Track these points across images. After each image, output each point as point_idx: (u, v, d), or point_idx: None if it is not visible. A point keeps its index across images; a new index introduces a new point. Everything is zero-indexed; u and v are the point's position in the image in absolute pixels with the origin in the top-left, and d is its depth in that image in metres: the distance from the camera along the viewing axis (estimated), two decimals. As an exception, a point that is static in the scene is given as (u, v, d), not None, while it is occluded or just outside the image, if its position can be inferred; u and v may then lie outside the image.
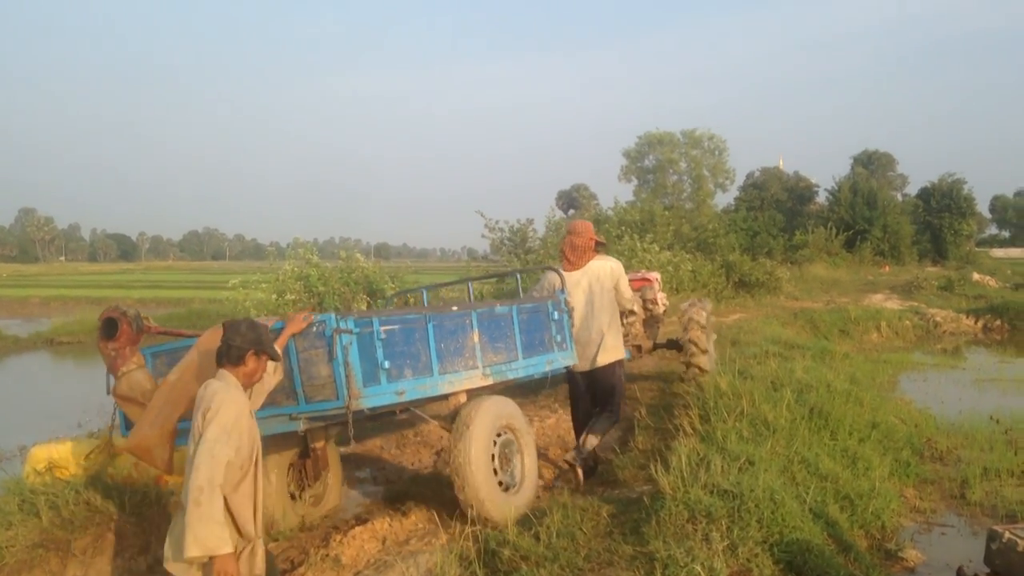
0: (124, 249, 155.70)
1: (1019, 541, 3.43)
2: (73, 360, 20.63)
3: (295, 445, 5.87)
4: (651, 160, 62.30)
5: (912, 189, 65.20)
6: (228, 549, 3.57)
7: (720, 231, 29.16)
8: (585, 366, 6.80)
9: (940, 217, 51.82)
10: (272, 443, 5.35)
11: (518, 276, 8.26)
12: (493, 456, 5.45)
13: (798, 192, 57.96)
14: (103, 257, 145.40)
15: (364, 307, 11.35)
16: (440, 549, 5.02)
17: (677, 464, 5.29)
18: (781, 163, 64.13)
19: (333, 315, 4.63)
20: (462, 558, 4.80)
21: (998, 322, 20.69)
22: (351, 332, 4.59)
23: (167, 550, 3.74)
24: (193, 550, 3.51)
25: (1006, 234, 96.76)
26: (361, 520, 5.71)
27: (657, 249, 21.72)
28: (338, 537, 5.23)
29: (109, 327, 4.84)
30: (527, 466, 5.82)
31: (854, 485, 5.96)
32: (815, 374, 8.88)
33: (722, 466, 5.22)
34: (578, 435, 7.00)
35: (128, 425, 5.22)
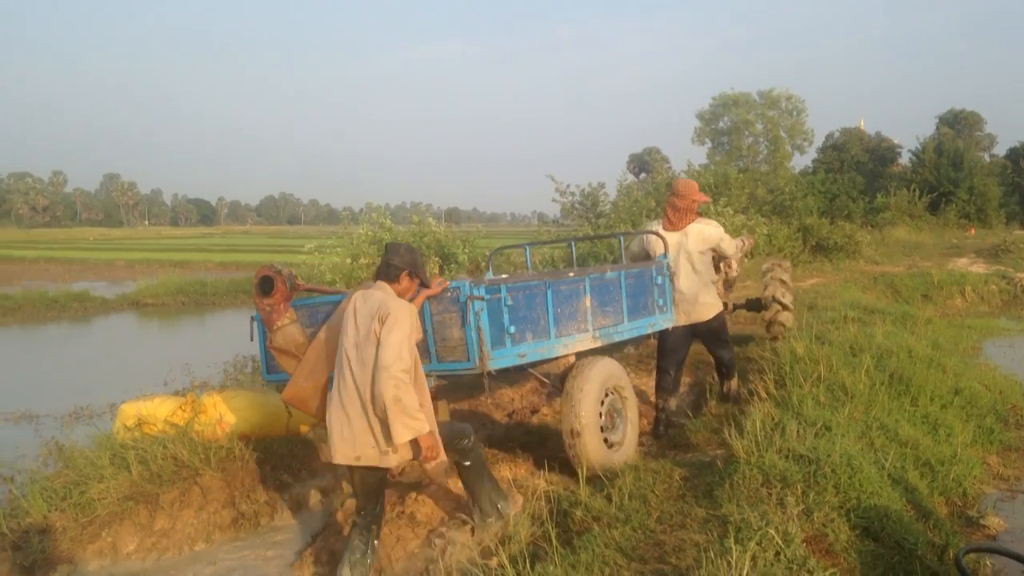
0: (204, 214, 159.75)
1: (1110, 511, 3.32)
2: (158, 321, 21.33)
3: None
4: (726, 122, 61.00)
5: (1000, 149, 62.60)
6: (429, 428, 4.25)
7: (797, 194, 28.38)
8: (688, 320, 7.05)
9: (1030, 178, 49.73)
10: None
11: (621, 239, 8.32)
12: (601, 415, 5.69)
13: (880, 153, 56.20)
14: (184, 221, 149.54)
15: (436, 271, 11.45)
16: (514, 508, 5.10)
17: (751, 428, 5.24)
18: (862, 124, 62.18)
19: (467, 282, 4.89)
20: (535, 517, 4.87)
21: (1090, 286, 19.82)
22: (483, 299, 4.84)
23: (347, 449, 4.32)
24: (404, 435, 4.14)
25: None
26: (436, 479, 5.80)
27: (732, 213, 21.30)
28: (414, 495, 5.34)
29: (265, 284, 5.13)
30: (629, 424, 6.05)
31: (935, 451, 5.83)
32: (895, 339, 8.67)
33: (798, 431, 5.15)
34: (659, 387, 7.22)
35: (269, 368, 5.79)
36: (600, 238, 14.42)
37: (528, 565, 3.72)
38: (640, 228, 8.91)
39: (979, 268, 22.69)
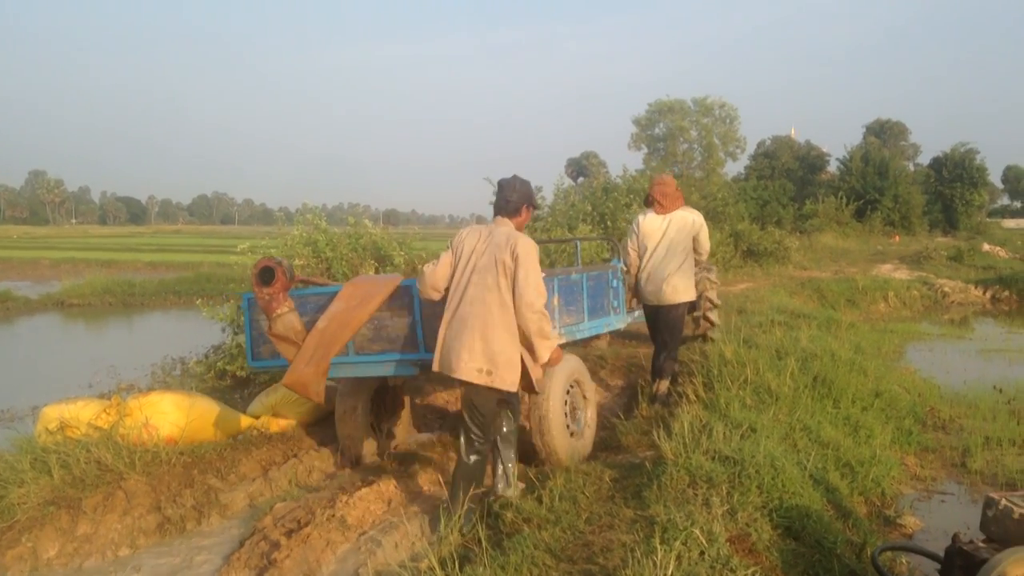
0: (134, 212, 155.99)
1: (1015, 508, 3.46)
2: (84, 322, 20.79)
3: (376, 384, 6.47)
4: (661, 128, 61.74)
5: (924, 159, 64.67)
6: (558, 342, 5.06)
7: (730, 200, 28.96)
8: (654, 301, 7.43)
9: (952, 187, 51.44)
10: (360, 380, 6.20)
11: (578, 244, 9.29)
12: (565, 406, 5.99)
13: (809, 161, 57.54)
14: (112, 220, 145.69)
15: (372, 273, 11.37)
16: (444, 511, 5.11)
17: (679, 430, 5.35)
18: (793, 132, 63.66)
19: None
20: (466, 519, 4.88)
21: (1007, 293, 20.65)
22: None
23: (456, 367, 4.71)
24: (546, 353, 4.82)
25: (1018, 204, 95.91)
26: (367, 482, 5.78)
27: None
28: (344, 498, 5.30)
29: (266, 274, 5.31)
30: (589, 415, 6.37)
31: (855, 452, 6.02)
32: (820, 343, 8.91)
33: (724, 433, 5.27)
34: (656, 356, 7.68)
35: (255, 355, 6.08)
36: (562, 242, 14.47)
37: (457, 567, 3.74)
38: (578, 232, 9.35)
39: (902, 274, 23.44)
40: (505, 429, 5.31)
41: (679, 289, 7.33)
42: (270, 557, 4.77)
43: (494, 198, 5.24)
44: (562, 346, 6.15)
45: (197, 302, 10.84)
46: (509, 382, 4.74)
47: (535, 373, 4.93)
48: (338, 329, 5.39)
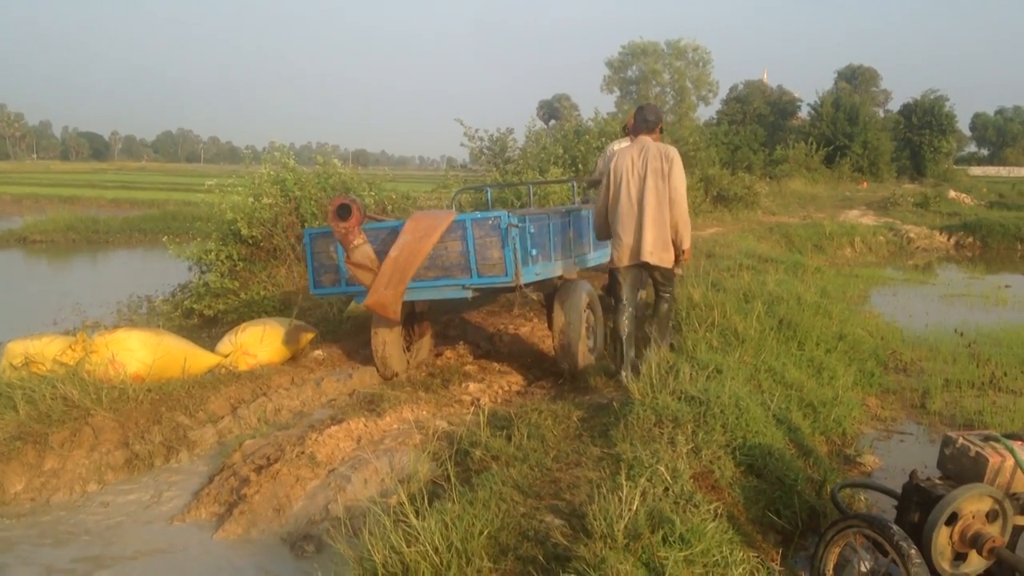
0: (96, 148, 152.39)
1: (971, 447, 3.55)
2: (47, 259, 20.47)
3: (407, 311, 7.13)
4: (634, 71, 61.43)
5: (895, 105, 64.89)
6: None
7: (701, 144, 28.77)
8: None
9: (920, 134, 51.68)
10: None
11: (530, 188, 10.09)
12: (585, 322, 6.73)
13: (781, 107, 57.54)
14: (75, 156, 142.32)
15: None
16: (414, 448, 5.16)
17: (647, 371, 5.42)
18: (765, 76, 63.51)
19: (506, 213, 5.98)
20: (435, 457, 4.94)
21: (970, 239, 20.97)
22: (518, 227, 5.96)
23: (636, 254, 6.12)
24: (689, 240, 6.17)
25: (985, 152, 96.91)
26: (336, 420, 5.81)
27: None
28: (313, 435, 5.32)
29: (343, 210, 5.81)
30: (598, 333, 7.17)
31: (818, 393, 6.13)
32: (786, 287, 9.02)
33: (691, 374, 5.34)
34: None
35: (316, 283, 6.86)
36: (558, 182, 14.58)
37: (426, 503, 3.78)
38: (549, 174, 9.53)
39: (869, 220, 23.66)
40: (665, 307, 6.51)
41: None
42: (239, 492, 4.81)
43: (632, 121, 6.69)
44: (573, 275, 7.27)
45: (163, 240, 10.71)
46: (668, 261, 6.14)
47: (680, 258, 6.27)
48: (410, 257, 6.03)
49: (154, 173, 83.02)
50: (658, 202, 6.02)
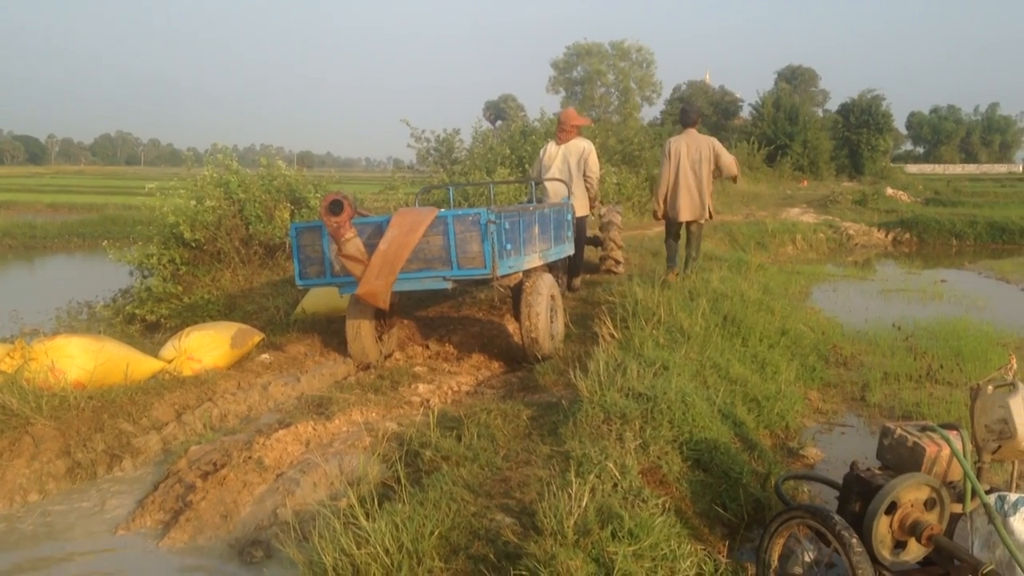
0: (32, 152, 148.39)
1: (909, 437, 3.65)
2: (-18, 266, 19.92)
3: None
4: (579, 71, 61.72)
5: (833, 105, 66.32)
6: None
7: (645, 144, 29.11)
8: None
9: (858, 133, 52.90)
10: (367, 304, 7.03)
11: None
12: (549, 311, 7.27)
13: (723, 107, 58.48)
14: (10, 160, 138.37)
15: (287, 216, 11.17)
16: (363, 450, 5.13)
17: (595, 369, 5.47)
18: (708, 77, 64.46)
19: (485, 210, 6.37)
20: (385, 459, 4.92)
21: (907, 235, 21.54)
22: (496, 223, 6.35)
23: (689, 214, 9.08)
24: (736, 168, 9.18)
25: (920, 150, 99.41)
26: (284, 424, 5.76)
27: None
28: (261, 440, 5.26)
29: (335, 206, 6.08)
30: (558, 322, 7.71)
31: (762, 388, 6.25)
32: (730, 284, 9.15)
33: (638, 371, 5.40)
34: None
35: (302, 275, 7.06)
36: (517, 182, 15.67)
37: (377, 504, 3.77)
38: (496, 175, 10.24)
39: (809, 218, 24.12)
40: (696, 237, 9.41)
41: (577, 207, 9.23)
42: (185, 499, 4.74)
43: (679, 116, 9.39)
44: (538, 268, 7.72)
45: (103, 244, 10.49)
46: (702, 217, 9.04)
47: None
48: (397, 250, 6.37)
49: (93, 177, 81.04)
50: (697, 178, 8.86)
